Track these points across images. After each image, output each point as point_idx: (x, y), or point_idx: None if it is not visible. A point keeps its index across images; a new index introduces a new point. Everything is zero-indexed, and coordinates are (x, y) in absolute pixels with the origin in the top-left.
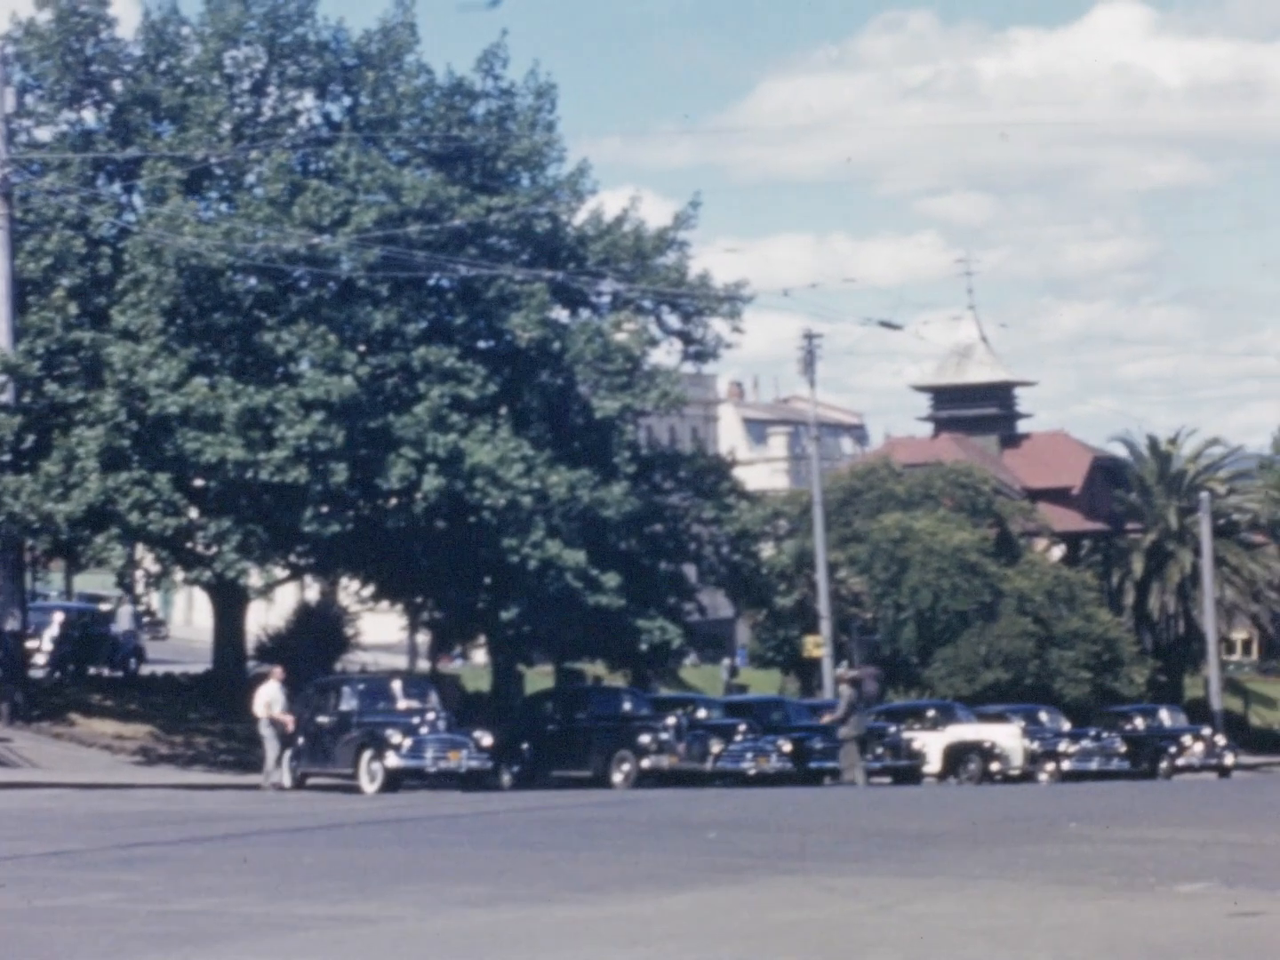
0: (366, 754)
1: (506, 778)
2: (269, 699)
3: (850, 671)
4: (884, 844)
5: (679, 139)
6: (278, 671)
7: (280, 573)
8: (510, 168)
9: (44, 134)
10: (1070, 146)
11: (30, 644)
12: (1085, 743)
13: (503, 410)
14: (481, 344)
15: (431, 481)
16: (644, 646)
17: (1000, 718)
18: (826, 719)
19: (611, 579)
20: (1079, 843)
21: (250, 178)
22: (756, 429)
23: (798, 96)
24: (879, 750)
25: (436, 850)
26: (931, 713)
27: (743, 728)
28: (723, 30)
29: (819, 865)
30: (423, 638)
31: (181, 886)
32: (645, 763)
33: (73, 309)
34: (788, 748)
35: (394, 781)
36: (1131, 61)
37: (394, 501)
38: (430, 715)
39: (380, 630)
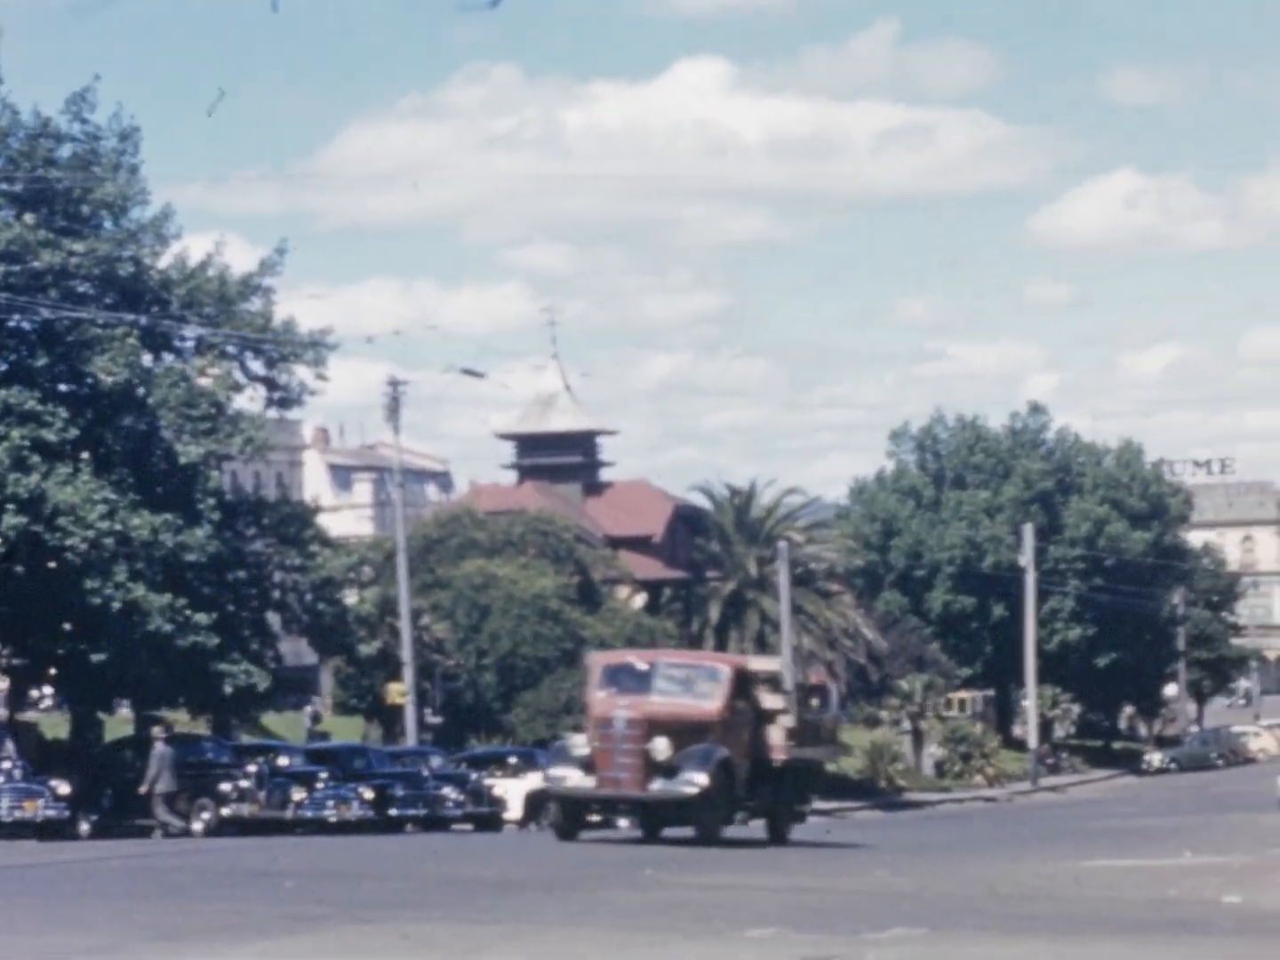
0: None
1: (85, 826)
2: None
3: (162, 731)
4: (464, 891)
5: (265, 184)
6: None
7: None
8: (94, 211)
9: None
10: (652, 199)
11: None
12: None
13: (85, 454)
14: (63, 387)
15: (10, 520)
16: (229, 690)
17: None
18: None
19: (202, 618)
20: (655, 889)
21: None
22: (342, 475)
23: (383, 144)
24: (460, 797)
25: (3, 901)
26: (513, 759)
27: (324, 775)
28: (308, 76)
29: (398, 914)
30: (1, 684)
31: None
32: (226, 810)
33: None
34: (369, 795)
35: None
36: (712, 117)
37: None
38: (6, 764)
39: None
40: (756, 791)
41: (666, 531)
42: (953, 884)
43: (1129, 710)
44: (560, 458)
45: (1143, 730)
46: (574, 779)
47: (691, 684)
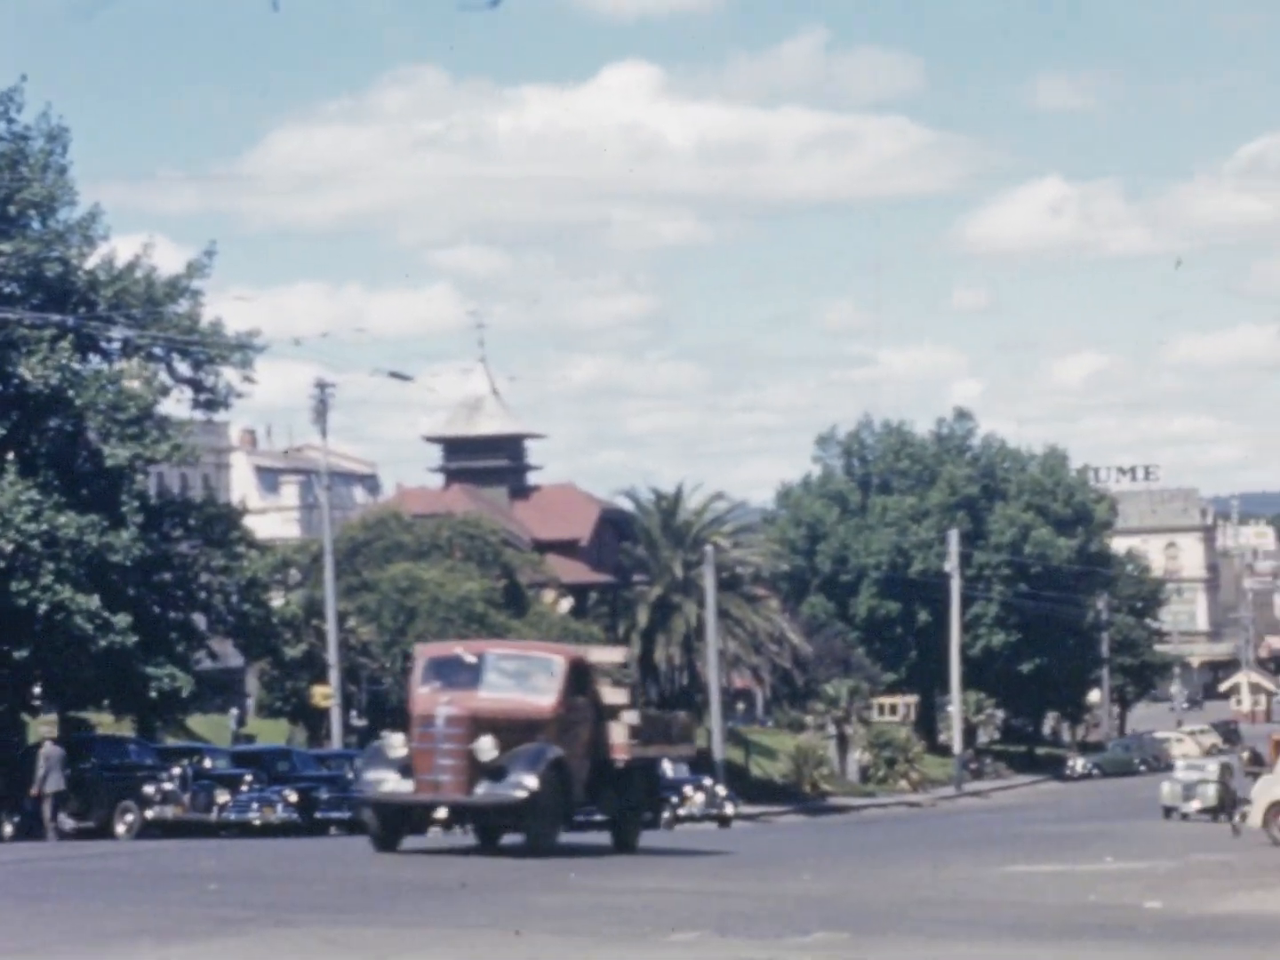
0: None
1: (8, 829)
2: None
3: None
4: (389, 895)
5: (192, 186)
6: None
7: None
8: (22, 211)
9: None
10: (580, 203)
11: None
12: None
13: (10, 455)
14: None
15: None
16: (154, 694)
17: None
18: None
19: (122, 620)
20: (577, 892)
21: None
22: (269, 477)
23: (309, 146)
24: None
25: None
26: None
27: (249, 778)
28: (235, 78)
29: (321, 917)
30: None
31: None
32: (150, 813)
33: None
34: (294, 798)
35: None
36: (640, 121)
37: None
38: None
39: None
40: (598, 795)
41: (593, 535)
42: (876, 888)
43: (1053, 716)
44: (487, 461)
45: (1066, 736)
46: (390, 783)
47: (524, 677)
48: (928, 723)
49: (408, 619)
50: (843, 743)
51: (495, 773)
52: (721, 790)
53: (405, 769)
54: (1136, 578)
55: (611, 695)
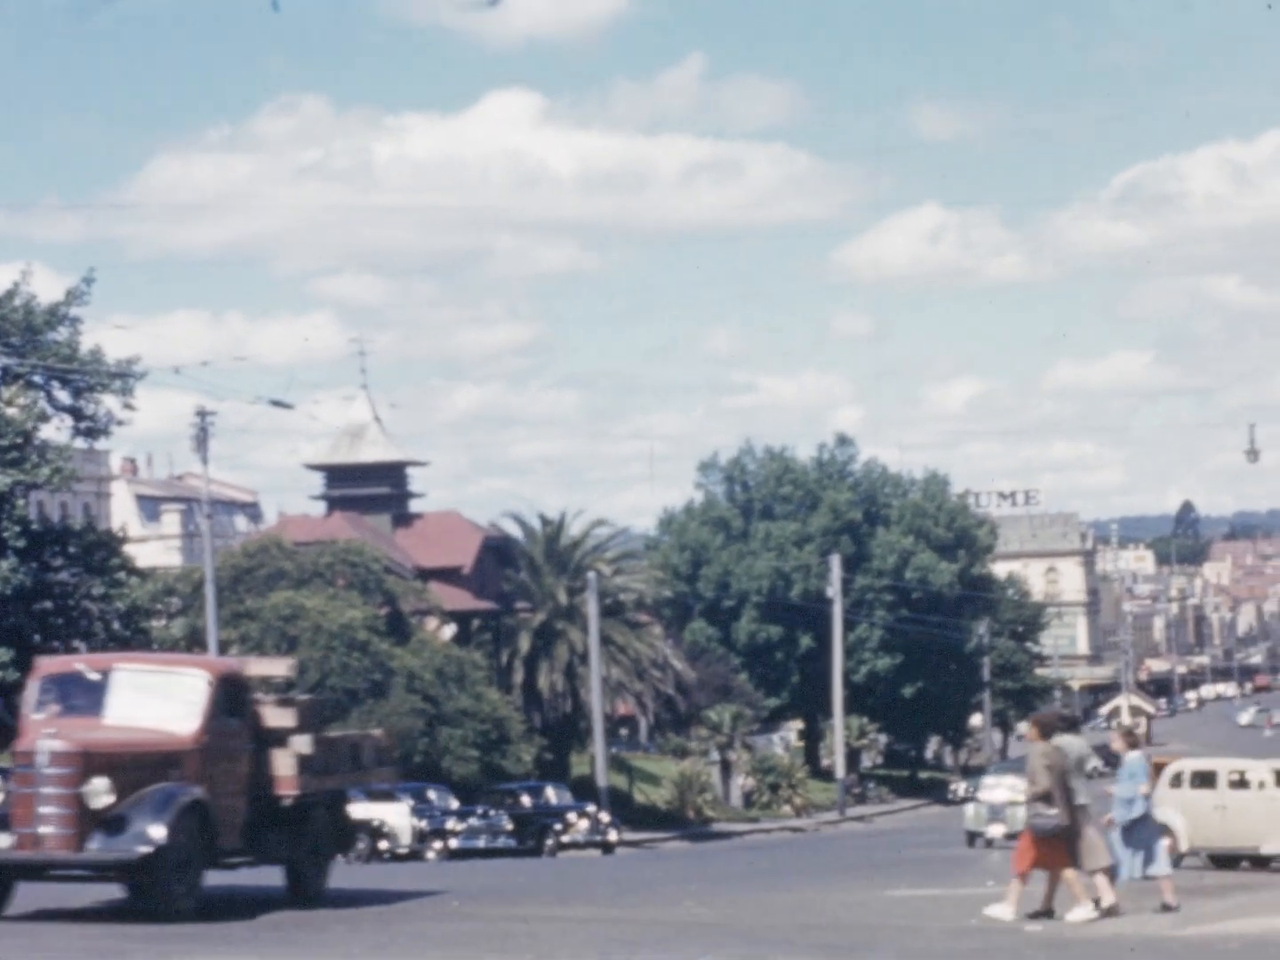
0: None
1: None
2: None
3: None
4: (271, 925)
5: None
6: None
7: None
8: None
9: None
10: (463, 231)
11: None
12: (473, 820)
13: None
14: None
15: None
16: None
17: (389, 796)
18: None
19: (3, 653)
20: (462, 920)
21: None
22: (150, 506)
23: (190, 174)
24: None
25: None
26: None
27: None
28: (114, 106)
29: (195, 946)
30: None
31: None
32: None
33: None
34: None
35: None
36: (523, 148)
37: None
38: None
39: None
40: (259, 840)
41: (476, 563)
42: (760, 914)
43: (935, 740)
44: (369, 489)
45: (949, 760)
46: None
47: (159, 698)
48: (811, 747)
49: (290, 647)
50: (726, 769)
51: (112, 823)
52: (605, 817)
53: (3, 820)
54: (1017, 602)
55: (276, 717)
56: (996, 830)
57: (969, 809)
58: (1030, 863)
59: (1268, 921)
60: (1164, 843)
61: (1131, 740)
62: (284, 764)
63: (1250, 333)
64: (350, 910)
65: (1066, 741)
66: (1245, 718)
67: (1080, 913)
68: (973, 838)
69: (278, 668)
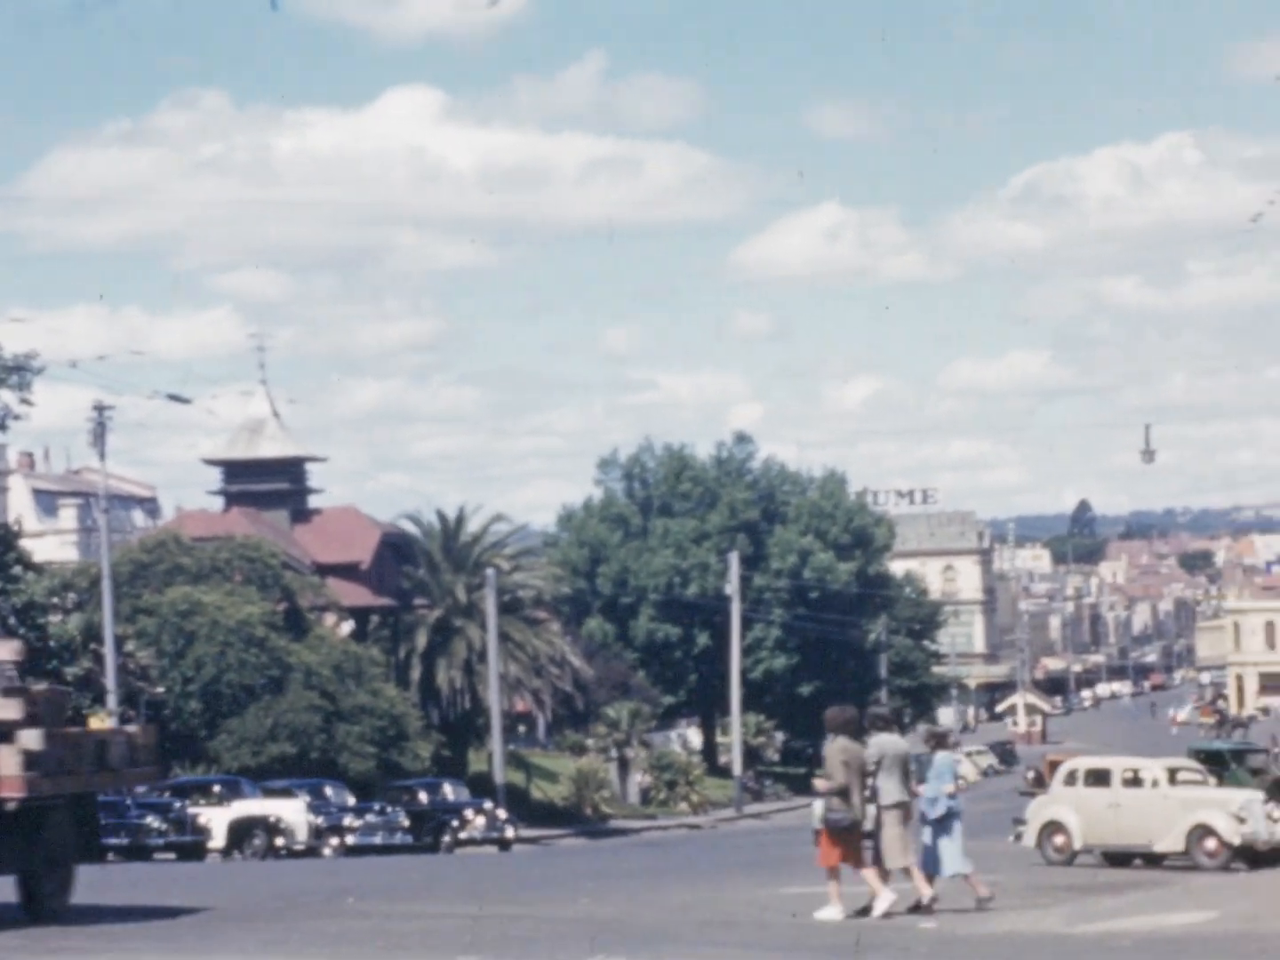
0: None
1: None
2: None
3: None
4: (167, 922)
5: None
6: None
7: None
8: None
9: None
10: (364, 227)
11: None
12: (370, 817)
13: None
14: None
15: None
16: None
17: (286, 792)
18: None
19: None
20: (357, 918)
21: None
22: (47, 500)
23: (88, 168)
24: (163, 826)
25: None
26: (217, 788)
27: None
28: (10, 99)
29: (93, 945)
30: None
31: None
32: None
33: None
34: None
35: None
36: (424, 145)
37: None
38: None
39: None
40: None
41: (374, 559)
42: (656, 911)
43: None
44: (268, 484)
45: None
46: None
47: None
48: (709, 745)
49: (187, 643)
50: (623, 766)
51: None
52: (502, 814)
53: None
54: (914, 600)
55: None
56: None
57: (817, 805)
58: (837, 858)
59: (1159, 919)
60: (958, 842)
61: (938, 741)
62: (7, 763)
63: (1146, 334)
64: (247, 907)
65: (886, 740)
66: (1183, 715)
67: (828, 912)
68: (817, 836)
69: (3, 652)
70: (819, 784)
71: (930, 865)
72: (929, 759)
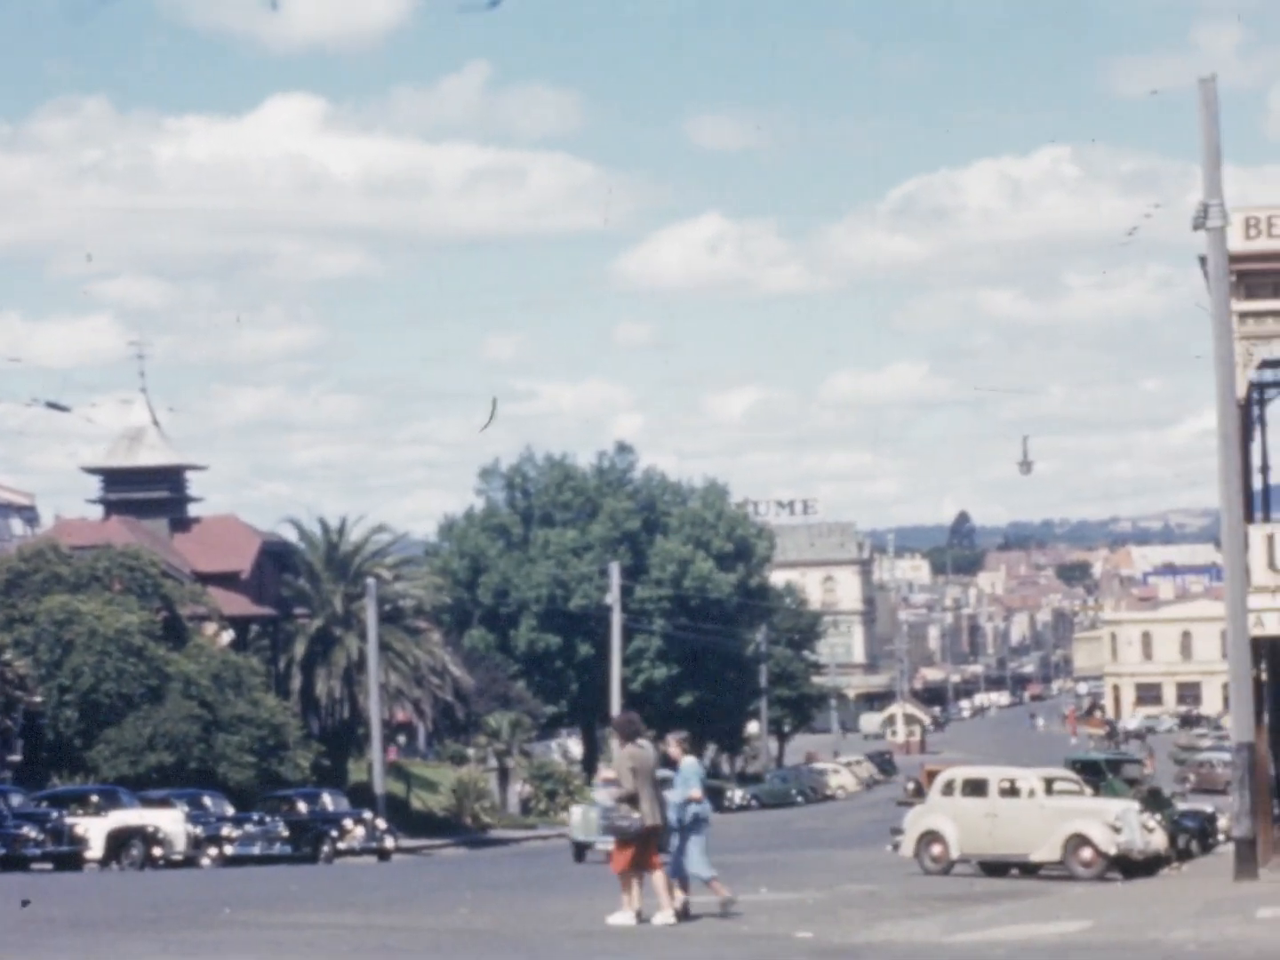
0: None
1: None
2: None
3: None
4: (39, 932)
5: None
6: None
7: None
8: None
9: None
10: (245, 234)
11: None
12: (248, 827)
13: None
14: None
15: None
16: None
17: (164, 802)
18: None
19: None
20: (234, 928)
21: None
22: None
23: None
24: (40, 836)
25: None
26: (95, 798)
27: None
28: None
29: None
30: None
31: None
32: None
33: None
34: None
35: None
36: (305, 153)
37: None
38: None
39: None
40: None
41: (254, 568)
42: (534, 922)
43: (712, 747)
44: (148, 493)
45: (725, 767)
46: None
47: None
48: (590, 755)
49: (65, 652)
50: (504, 775)
51: None
52: (381, 824)
53: None
54: (794, 610)
55: None
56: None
57: (575, 813)
58: (627, 862)
59: (1035, 928)
60: (703, 846)
61: (685, 748)
62: None
63: (1024, 346)
64: (119, 916)
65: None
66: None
67: (619, 917)
68: (581, 850)
69: None
70: (603, 794)
71: (678, 870)
72: (677, 765)
